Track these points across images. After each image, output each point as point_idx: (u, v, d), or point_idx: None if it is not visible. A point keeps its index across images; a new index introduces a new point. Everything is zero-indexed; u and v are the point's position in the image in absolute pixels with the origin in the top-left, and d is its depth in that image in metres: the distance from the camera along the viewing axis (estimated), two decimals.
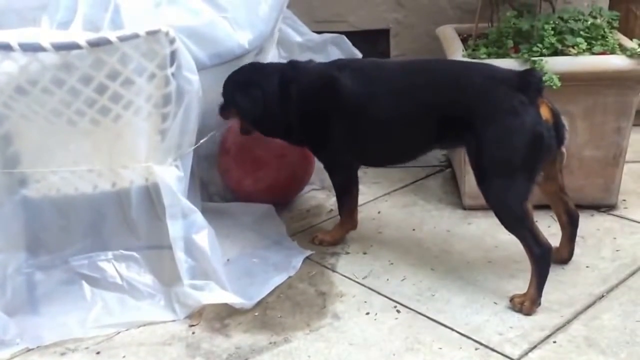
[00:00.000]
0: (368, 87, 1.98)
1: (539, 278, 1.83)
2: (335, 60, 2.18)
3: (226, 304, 1.90)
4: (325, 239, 2.23)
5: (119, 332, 1.84)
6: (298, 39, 2.59)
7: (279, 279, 2.02)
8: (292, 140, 2.19)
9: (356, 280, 2.04)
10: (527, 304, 1.84)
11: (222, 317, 1.89)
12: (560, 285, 1.94)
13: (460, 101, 1.84)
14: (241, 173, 2.39)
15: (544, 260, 1.82)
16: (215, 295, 1.86)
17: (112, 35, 1.66)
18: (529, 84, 1.78)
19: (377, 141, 2.02)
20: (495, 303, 1.90)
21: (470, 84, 1.85)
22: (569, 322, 1.81)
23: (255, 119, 2.12)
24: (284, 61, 2.24)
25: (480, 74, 1.87)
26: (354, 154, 2.11)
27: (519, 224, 1.83)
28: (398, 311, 1.89)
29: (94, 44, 1.64)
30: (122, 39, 1.66)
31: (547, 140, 1.79)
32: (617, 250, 2.14)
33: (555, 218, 2.06)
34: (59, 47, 1.62)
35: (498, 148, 1.80)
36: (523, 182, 1.79)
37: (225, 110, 2.17)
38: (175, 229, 1.84)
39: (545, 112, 1.79)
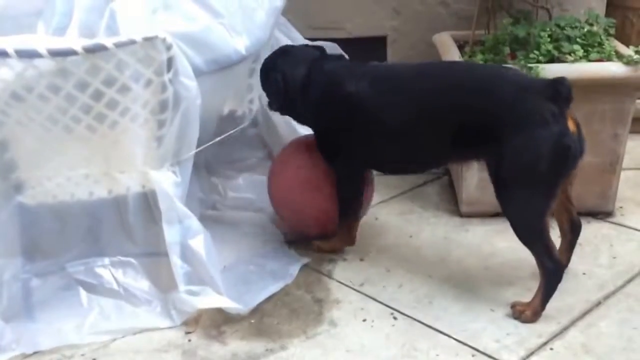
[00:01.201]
0: (384, 94, 1.93)
1: (546, 292, 1.81)
2: (355, 65, 2.10)
3: (222, 311, 1.89)
4: (323, 247, 2.22)
5: (115, 339, 1.83)
6: None
7: (275, 287, 2.01)
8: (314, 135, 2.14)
9: (353, 287, 2.04)
10: (528, 313, 1.83)
11: (218, 324, 1.88)
12: (557, 292, 1.91)
13: (486, 109, 1.78)
14: (315, 207, 2.16)
15: (555, 275, 1.80)
16: (210, 299, 1.85)
17: (109, 41, 1.66)
18: (559, 93, 1.72)
19: (396, 148, 1.97)
20: (492, 310, 1.89)
21: (498, 93, 1.78)
22: (565, 328, 1.81)
23: (278, 103, 2.11)
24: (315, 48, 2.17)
25: (509, 82, 1.80)
26: (370, 161, 2.09)
27: (536, 238, 1.79)
28: (395, 318, 1.89)
29: (90, 50, 1.64)
30: (119, 45, 1.66)
31: (573, 152, 1.74)
32: (613, 257, 2.14)
33: (555, 225, 2.04)
34: (54, 53, 1.62)
35: (524, 159, 1.74)
36: (545, 196, 1.75)
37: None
38: (171, 234, 1.83)
39: (571, 124, 1.74)
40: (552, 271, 1.80)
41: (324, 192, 2.13)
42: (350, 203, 2.16)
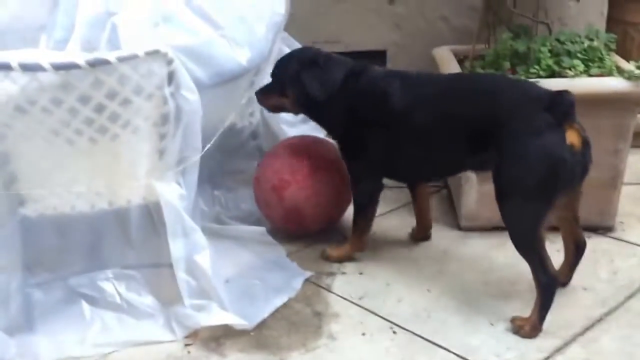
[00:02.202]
0: (410, 98, 1.98)
1: (542, 305, 1.81)
2: (386, 70, 2.19)
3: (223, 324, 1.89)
4: (332, 255, 2.23)
5: (114, 352, 1.83)
6: None
7: (279, 301, 2.01)
8: (333, 137, 2.20)
9: (352, 300, 2.03)
10: (527, 327, 1.82)
11: (217, 336, 1.88)
12: (558, 307, 1.91)
13: (490, 117, 1.82)
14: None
15: (549, 289, 1.80)
16: (215, 316, 1.85)
17: (111, 56, 1.68)
18: (558, 105, 1.73)
19: (415, 153, 2.01)
20: (492, 324, 1.88)
21: (503, 99, 1.82)
22: (566, 344, 1.80)
23: (313, 103, 2.10)
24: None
25: (515, 90, 1.85)
26: (390, 167, 2.11)
27: (529, 247, 1.80)
28: (394, 332, 1.88)
29: (93, 64, 1.66)
30: (121, 59, 1.68)
31: (570, 166, 1.72)
32: (614, 273, 2.13)
33: (556, 242, 2.03)
34: (58, 67, 1.63)
35: (516, 167, 1.76)
36: (539, 206, 1.75)
37: (273, 91, 2.17)
38: (176, 248, 1.84)
39: (572, 137, 1.73)
40: (545, 285, 1.80)
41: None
42: (361, 209, 2.19)
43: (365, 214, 2.19)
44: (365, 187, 2.16)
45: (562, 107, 1.73)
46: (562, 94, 1.76)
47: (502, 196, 1.81)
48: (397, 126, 2.00)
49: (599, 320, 1.89)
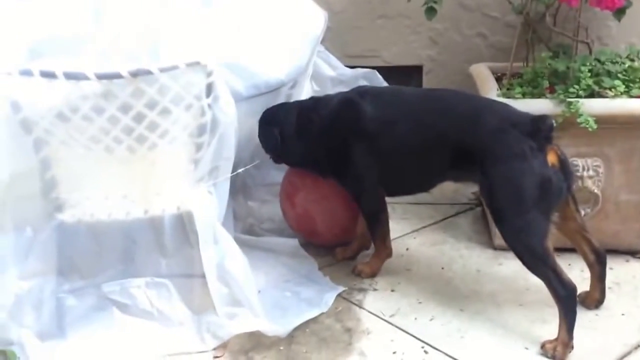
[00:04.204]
0: (386, 113, 2.04)
1: (568, 319, 1.79)
2: (356, 87, 2.24)
3: (251, 337, 1.88)
4: (364, 270, 2.22)
5: None
6: (331, 73, 2.62)
7: (311, 314, 2.00)
8: (318, 171, 2.22)
9: (383, 317, 2.01)
10: (559, 348, 1.78)
11: (246, 349, 1.87)
12: (594, 333, 1.88)
13: (472, 139, 1.89)
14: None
15: (569, 300, 1.79)
16: (247, 323, 1.84)
17: (153, 66, 1.70)
18: (540, 130, 1.81)
19: (392, 167, 2.06)
20: (527, 348, 1.84)
21: (484, 123, 1.89)
22: None
23: (276, 154, 2.25)
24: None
25: (496, 115, 1.90)
26: (379, 179, 2.12)
27: (540, 263, 1.81)
28: (426, 352, 1.85)
29: (135, 74, 1.68)
30: (162, 70, 1.70)
31: (556, 184, 1.82)
32: None
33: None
34: (101, 77, 1.66)
35: (508, 189, 1.83)
36: (539, 221, 1.80)
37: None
38: (208, 256, 1.84)
39: (552, 158, 1.83)
40: (565, 297, 1.79)
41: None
42: (372, 217, 2.20)
43: (377, 220, 2.20)
44: (366, 199, 2.18)
45: (543, 132, 1.82)
46: (544, 120, 1.83)
47: (500, 219, 1.87)
48: (372, 140, 2.04)
49: (637, 347, 1.84)
